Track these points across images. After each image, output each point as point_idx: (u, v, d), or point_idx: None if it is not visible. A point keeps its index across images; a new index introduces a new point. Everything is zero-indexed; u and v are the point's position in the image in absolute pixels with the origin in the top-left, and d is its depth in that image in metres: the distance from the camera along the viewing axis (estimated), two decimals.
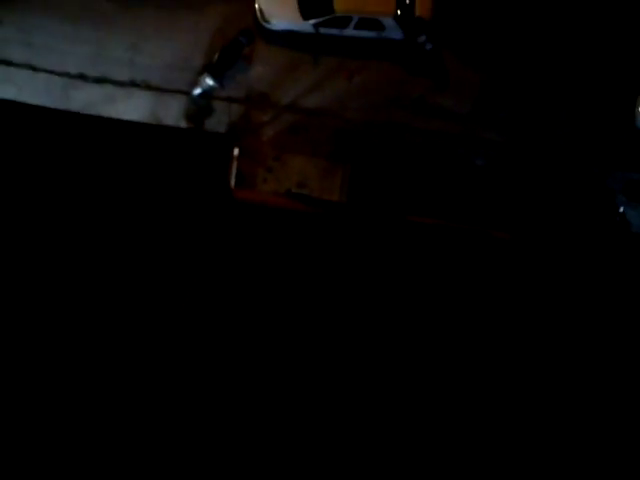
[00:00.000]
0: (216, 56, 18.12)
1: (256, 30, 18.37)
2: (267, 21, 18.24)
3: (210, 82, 18.10)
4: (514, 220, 18.93)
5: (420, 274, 18.83)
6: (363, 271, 18.81)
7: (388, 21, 17.99)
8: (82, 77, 18.09)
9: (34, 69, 17.97)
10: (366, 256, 18.82)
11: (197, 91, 18.33)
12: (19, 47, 17.99)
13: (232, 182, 18.38)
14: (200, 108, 18.56)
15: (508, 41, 18.95)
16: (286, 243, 18.59)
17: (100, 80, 18.14)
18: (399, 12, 17.84)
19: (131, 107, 18.24)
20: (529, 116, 19.10)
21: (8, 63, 18.00)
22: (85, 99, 18.06)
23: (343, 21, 18.06)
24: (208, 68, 18.15)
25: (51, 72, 17.97)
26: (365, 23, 18.10)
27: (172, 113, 18.43)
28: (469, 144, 19.05)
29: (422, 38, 18.10)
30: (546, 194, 19.04)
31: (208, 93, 18.40)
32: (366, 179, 18.77)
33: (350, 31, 18.27)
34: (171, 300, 18.08)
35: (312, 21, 18.05)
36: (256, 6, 18.19)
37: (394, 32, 18.23)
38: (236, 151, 18.47)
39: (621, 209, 18.93)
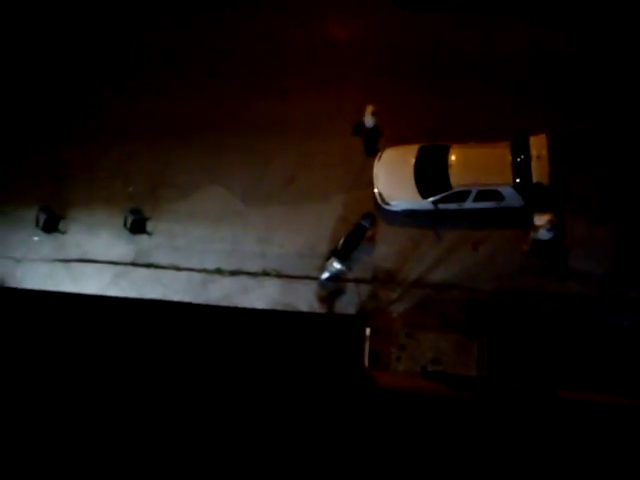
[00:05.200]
0: (341, 241, 18.80)
1: (377, 213, 19.11)
2: (387, 203, 18.87)
3: (337, 266, 18.63)
4: None
5: (577, 458, 16.93)
6: (512, 455, 17.29)
7: (507, 190, 17.88)
8: (219, 272, 19.46)
9: (178, 269, 19.65)
10: (514, 438, 17.37)
11: (325, 275, 18.92)
12: (166, 251, 19.89)
13: (366, 362, 18.23)
14: (330, 292, 19.07)
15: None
16: (426, 431, 17.70)
17: (235, 273, 19.40)
18: (517, 180, 17.77)
19: (263, 295, 19.15)
20: None
21: (157, 266, 19.84)
22: (221, 291, 19.27)
23: (461, 195, 18.19)
24: (334, 253, 18.80)
25: (192, 270, 19.57)
26: (484, 195, 18.09)
27: (303, 298, 19.04)
28: (612, 305, 17.87)
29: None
30: None
31: (336, 277, 18.95)
32: (506, 351, 17.84)
33: (469, 204, 18.33)
34: None
35: (431, 199, 18.42)
36: (375, 191, 18.95)
37: (514, 200, 18.06)
38: (368, 331, 18.45)
39: None
